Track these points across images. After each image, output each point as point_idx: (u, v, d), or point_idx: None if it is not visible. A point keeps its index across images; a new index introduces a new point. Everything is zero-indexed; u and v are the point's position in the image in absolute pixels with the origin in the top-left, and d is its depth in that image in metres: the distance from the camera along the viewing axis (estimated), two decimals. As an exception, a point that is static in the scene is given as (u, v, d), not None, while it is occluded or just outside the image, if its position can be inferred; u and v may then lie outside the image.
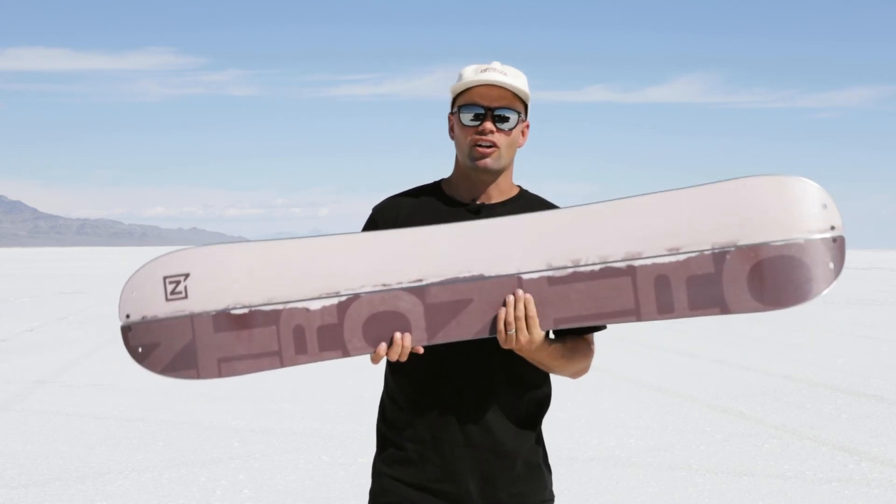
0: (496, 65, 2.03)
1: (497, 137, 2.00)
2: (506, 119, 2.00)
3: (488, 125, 1.99)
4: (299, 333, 1.95)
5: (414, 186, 2.14)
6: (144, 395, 7.91)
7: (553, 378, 2.11)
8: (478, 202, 2.06)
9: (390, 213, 2.08)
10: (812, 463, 5.61)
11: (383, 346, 1.91)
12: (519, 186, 2.12)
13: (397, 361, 1.97)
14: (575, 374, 2.05)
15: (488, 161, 2.01)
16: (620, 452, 5.86)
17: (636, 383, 8.60)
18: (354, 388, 8.09)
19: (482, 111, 2.00)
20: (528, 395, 2.04)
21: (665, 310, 1.92)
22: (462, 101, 2.02)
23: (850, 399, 7.79)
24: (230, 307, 1.95)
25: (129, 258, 71.22)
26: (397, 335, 1.91)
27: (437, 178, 2.15)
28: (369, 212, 2.14)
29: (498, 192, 2.06)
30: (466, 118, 2.01)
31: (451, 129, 2.08)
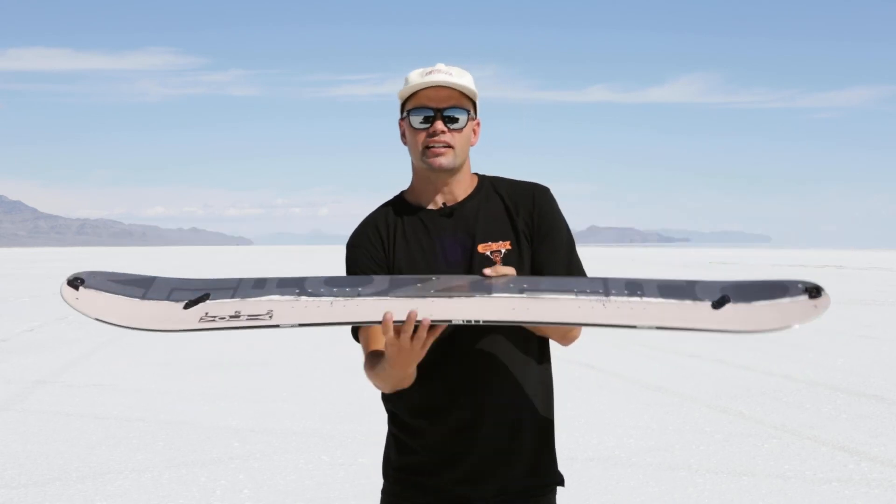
0: (441, 66, 2.04)
1: (449, 137, 2.02)
2: (455, 119, 2.02)
3: (439, 125, 2.01)
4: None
5: (375, 209, 2.13)
6: (144, 395, 7.91)
7: (552, 378, 2.13)
8: (447, 205, 2.07)
9: (373, 235, 2.08)
10: (812, 463, 5.61)
11: (390, 315, 1.79)
12: (476, 175, 2.14)
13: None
14: (566, 333, 2.05)
15: (443, 160, 2.02)
16: (620, 452, 5.86)
17: (636, 383, 8.59)
18: (354, 388, 8.09)
19: (431, 113, 2.01)
20: (535, 386, 2.06)
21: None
22: (411, 104, 2.03)
23: (850, 399, 7.79)
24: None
25: (129, 258, 71.21)
26: (413, 312, 1.79)
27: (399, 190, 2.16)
28: (360, 218, 2.15)
29: (462, 190, 2.08)
30: (416, 121, 2.02)
31: (403, 135, 2.08)
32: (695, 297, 1.91)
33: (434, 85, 1.99)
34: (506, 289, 1.92)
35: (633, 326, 1.86)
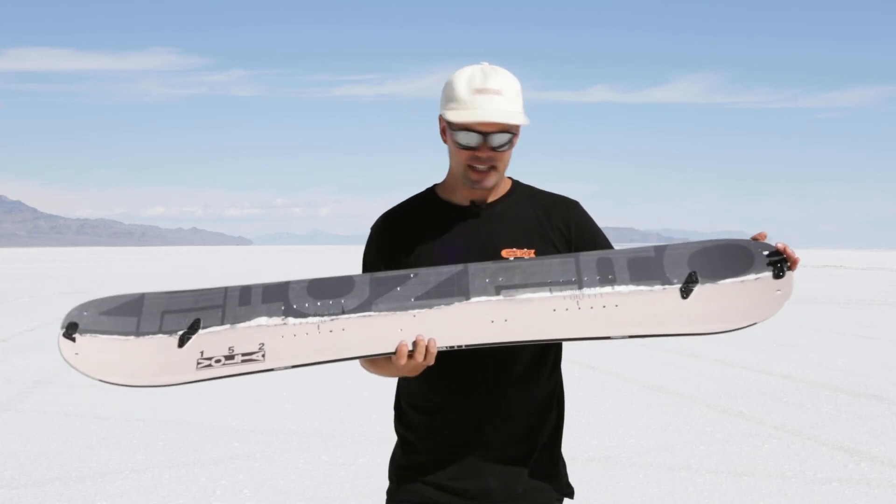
0: (491, 81, 1.96)
1: (493, 159, 1.99)
2: (501, 143, 1.97)
3: (484, 152, 1.97)
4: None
5: (406, 199, 2.13)
6: (144, 395, 7.91)
7: (563, 387, 2.14)
8: (476, 204, 2.06)
9: (394, 229, 2.07)
10: (812, 463, 5.61)
11: (405, 346, 1.88)
12: (510, 179, 2.12)
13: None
14: None
15: (486, 182, 2.01)
16: (620, 452, 5.86)
17: (636, 383, 8.59)
18: (354, 388, 8.09)
19: (479, 136, 1.96)
20: (543, 389, 2.06)
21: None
22: (458, 123, 1.96)
23: (850, 399, 7.79)
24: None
25: (129, 258, 71.21)
26: (421, 339, 1.88)
27: (431, 183, 2.15)
28: (363, 213, 2.15)
29: (494, 193, 2.08)
30: (462, 142, 1.97)
31: (443, 132, 2.05)
32: (664, 279, 1.94)
33: (485, 120, 1.93)
34: (483, 289, 1.94)
35: (608, 337, 1.92)
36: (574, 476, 5.49)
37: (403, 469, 2.07)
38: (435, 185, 2.13)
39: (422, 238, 2.04)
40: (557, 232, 2.05)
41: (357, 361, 2.04)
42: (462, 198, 2.07)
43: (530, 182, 2.15)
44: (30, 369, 9.49)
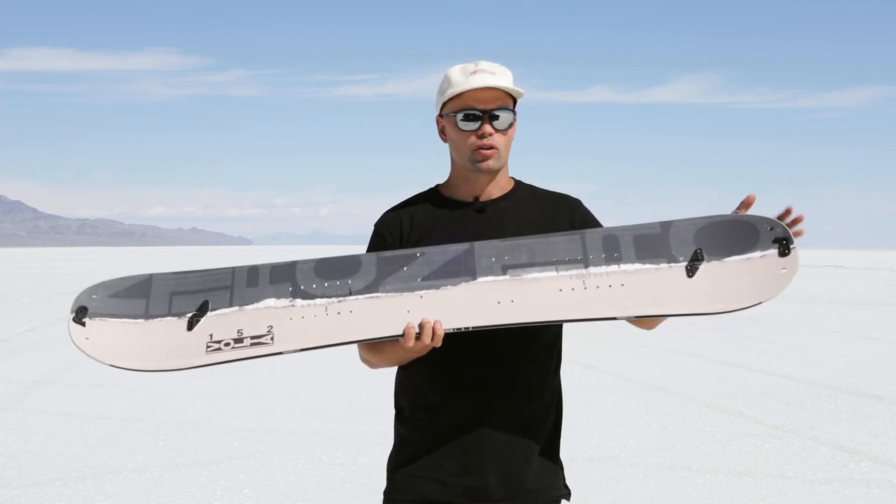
0: (483, 64, 2.03)
1: (495, 139, 2.02)
2: (501, 119, 2.02)
3: (488, 128, 2.01)
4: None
5: (409, 197, 2.15)
6: (144, 395, 7.91)
7: (562, 389, 2.14)
8: (480, 201, 2.07)
9: (394, 226, 2.09)
10: (812, 463, 5.61)
11: (412, 328, 1.89)
12: (513, 178, 2.14)
13: (412, 362, 1.99)
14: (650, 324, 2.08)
15: (490, 163, 2.03)
16: (620, 452, 5.86)
17: (637, 383, 8.59)
18: (354, 388, 8.09)
19: (479, 115, 2.00)
20: (543, 390, 2.06)
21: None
22: (457, 105, 2.02)
23: (850, 399, 7.79)
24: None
25: (129, 258, 71.22)
26: (427, 321, 1.89)
27: (434, 183, 2.16)
28: (363, 213, 2.16)
29: (498, 189, 2.09)
30: (465, 123, 2.01)
31: (443, 132, 2.09)
32: (670, 256, 1.96)
33: (481, 87, 1.99)
34: (489, 268, 1.96)
35: (613, 318, 1.93)
36: (574, 476, 5.49)
37: (400, 466, 2.07)
38: (437, 185, 2.15)
39: (425, 234, 2.06)
40: (561, 230, 2.06)
41: (358, 359, 2.06)
42: (466, 194, 2.08)
43: (532, 182, 2.16)
44: (30, 369, 9.50)
